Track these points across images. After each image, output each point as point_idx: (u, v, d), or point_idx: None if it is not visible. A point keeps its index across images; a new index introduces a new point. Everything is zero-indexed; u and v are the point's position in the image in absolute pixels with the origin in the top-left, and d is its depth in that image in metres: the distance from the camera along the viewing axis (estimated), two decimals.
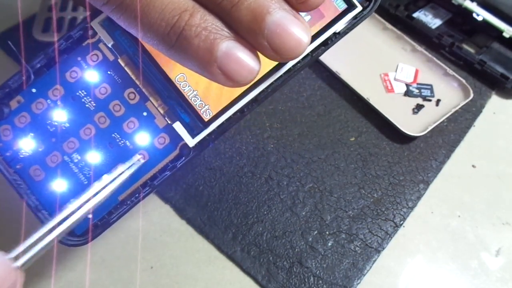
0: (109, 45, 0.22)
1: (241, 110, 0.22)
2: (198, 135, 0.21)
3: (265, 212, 0.33)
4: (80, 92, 0.22)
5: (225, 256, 0.31)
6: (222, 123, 0.22)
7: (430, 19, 0.44)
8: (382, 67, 0.41)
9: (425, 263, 0.32)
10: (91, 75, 0.22)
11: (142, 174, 0.22)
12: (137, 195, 0.22)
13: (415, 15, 0.44)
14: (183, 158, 0.22)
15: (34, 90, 0.22)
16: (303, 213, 0.33)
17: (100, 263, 0.30)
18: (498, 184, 0.36)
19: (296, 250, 0.31)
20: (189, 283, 0.30)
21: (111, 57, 0.22)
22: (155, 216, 0.32)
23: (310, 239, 0.32)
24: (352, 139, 0.37)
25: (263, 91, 0.21)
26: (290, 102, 0.39)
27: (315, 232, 0.32)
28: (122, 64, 0.22)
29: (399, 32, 0.42)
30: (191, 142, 0.22)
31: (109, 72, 0.22)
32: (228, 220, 0.32)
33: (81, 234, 0.22)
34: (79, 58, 0.22)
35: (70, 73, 0.22)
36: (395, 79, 0.40)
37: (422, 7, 0.45)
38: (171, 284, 0.30)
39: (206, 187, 0.33)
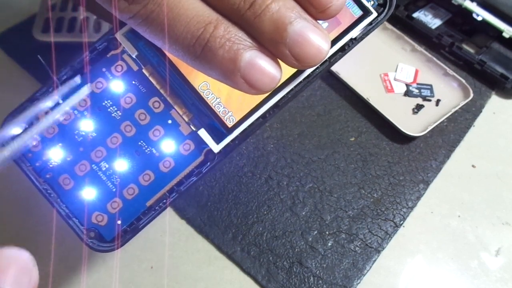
0: (133, 56, 0.22)
1: (263, 116, 0.22)
2: (223, 141, 0.22)
3: (265, 212, 0.33)
4: (106, 102, 0.23)
5: (225, 256, 0.31)
6: (245, 129, 0.22)
7: (430, 19, 0.44)
8: (382, 67, 0.41)
9: (425, 263, 0.32)
10: (116, 85, 0.23)
11: (169, 180, 0.23)
12: (164, 200, 0.23)
13: (415, 15, 0.44)
14: (208, 163, 0.22)
15: (61, 102, 0.23)
16: (303, 213, 0.33)
17: (100, 263, 0.31)
18: (498, 184, 0.36)
19: (296, 250, 0.31)
20: (189, 283, 0.30)
21: (135, 68, 0.23)
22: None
23: (310, 239, 0.32)
24: (352, 139, 0.37)
25: (283, 97, 0.22)
26: (290, 102, 0.38)
27: (315, 232, 0.32)
28: (147, 74, 0.22)
29: (399, 32, 0.42)
30: (216, 148, 0.22)
31: (133, 82, 0.23)
32: (228, 220, 0.32)
33: (110, 240, 0.23)
34: (104, 69, 0.23)
35: (96, 83, 0.23)
36: (395, 79, 0.40)
37: (422, 7, 0.45)
38: (171, 284, 0.30)
39: (206, 187, 0.33)
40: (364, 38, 0.22)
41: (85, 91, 0.22)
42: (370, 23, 0.22)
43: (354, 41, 0.22)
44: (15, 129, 0.21)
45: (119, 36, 0.22)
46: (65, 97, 0.22)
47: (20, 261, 0.17)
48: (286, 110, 0.38)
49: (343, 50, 0.22)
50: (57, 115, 0.22)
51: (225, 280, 0.30)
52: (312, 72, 0.22)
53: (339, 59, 0.22)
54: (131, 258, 0.31)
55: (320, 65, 0.22)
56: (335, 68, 0.40)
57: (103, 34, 0.23)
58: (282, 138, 0.36)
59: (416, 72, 0.41)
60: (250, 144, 0.36)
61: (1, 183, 0.32)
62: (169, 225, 0.32)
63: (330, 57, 0.22)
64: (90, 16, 0.40)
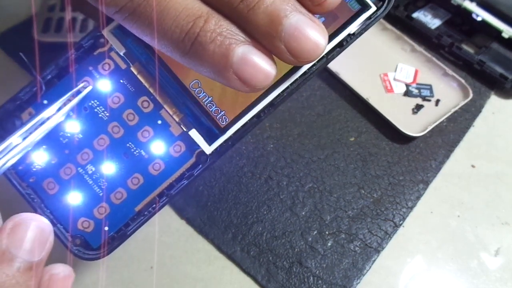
0: (121, 53, 0.21)
1: (257, 115, 0.21)
2: (215, 142, 0.21)
3: (265, 212, 0.33)
4: (92, 102, 0.22)
5: (225, 256, 0.31)
6: (239, 129, 0.21)
7: (429, 19, 0.44)
8: (382, 67, 0.41)
9: (424, 263, 0.32)
10: (103, 85, 0.22)
11: (159, 184, 0.22)
12: (153, 205, 0.22)
13: (415, 15, 0.44)
14: (200, 166, 0.22)
15: (45, 102, 0.22)
16: (303, 213, 0.33)
17: (100, 263, 0.30)
18: (498, 184, 0.36)
19: (296, 250, 0.31)
20: (189, 283, 0.30)
21: (123, 66, 0.22)
22: (155, 216, 0.32)
23: (310, 239, 0.32)
24: (352, 139, 0.37)
25: (279, 95, 0.21)
26: (290, 102, 0.39)
27: (315, 232, 0.32)
28: (135, 72, 0.21)
29: (398, 32, 0.42)
30: (208, 149, 0.21)
31: (121, 81, 0.22)
32: (228, 220, 0.32)
33: (97, 248, 0.22)
34: (90, 68, 0.22)
35: (82, 83, 0.22)
36: (394, 79, 0.40)
37: (422, 7, 0.45)
38: (171, 284, 0.30)
39: (206, 187, 0.34)
40: (362, 33, 0.21)
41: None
42: (369, 18, 0.21)
43: (352, 37, 0.21)
44: (16, 139, 0.20)
45: (106, 33, 0.21)
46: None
47: (36, 228, 0.17)
48: (286, 110, 0.38)
49: (341, 46, 0.21)
50: (52, 124, 0.21)
51: (225, 280, 0.30)
52: (308, 69, 0.21)
53: (337, 55, 0.21)
54: (131, 258, 0.31)
55: (317, 61, 0.21)
56: (335, 68, 0.40)
57: (89, 31, 0.22)
58: (282, 138, 0.36)
59: (416, 72, 0.41)
60: (250, 144, 0.36)
61: None
62: (169, 225, 0.32)
63: (327, 53, 0.21)
64: (82, 16, 0.40)
